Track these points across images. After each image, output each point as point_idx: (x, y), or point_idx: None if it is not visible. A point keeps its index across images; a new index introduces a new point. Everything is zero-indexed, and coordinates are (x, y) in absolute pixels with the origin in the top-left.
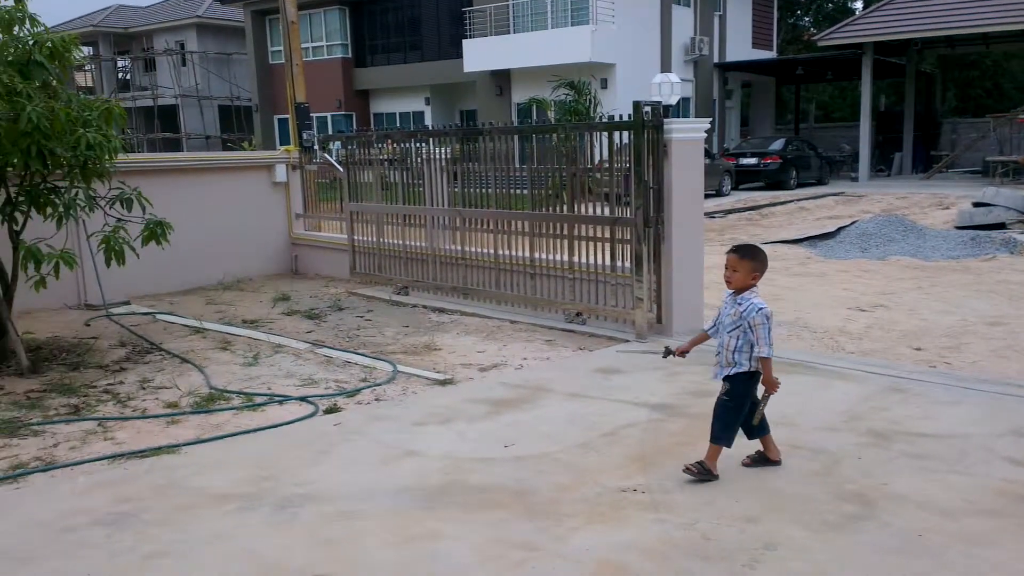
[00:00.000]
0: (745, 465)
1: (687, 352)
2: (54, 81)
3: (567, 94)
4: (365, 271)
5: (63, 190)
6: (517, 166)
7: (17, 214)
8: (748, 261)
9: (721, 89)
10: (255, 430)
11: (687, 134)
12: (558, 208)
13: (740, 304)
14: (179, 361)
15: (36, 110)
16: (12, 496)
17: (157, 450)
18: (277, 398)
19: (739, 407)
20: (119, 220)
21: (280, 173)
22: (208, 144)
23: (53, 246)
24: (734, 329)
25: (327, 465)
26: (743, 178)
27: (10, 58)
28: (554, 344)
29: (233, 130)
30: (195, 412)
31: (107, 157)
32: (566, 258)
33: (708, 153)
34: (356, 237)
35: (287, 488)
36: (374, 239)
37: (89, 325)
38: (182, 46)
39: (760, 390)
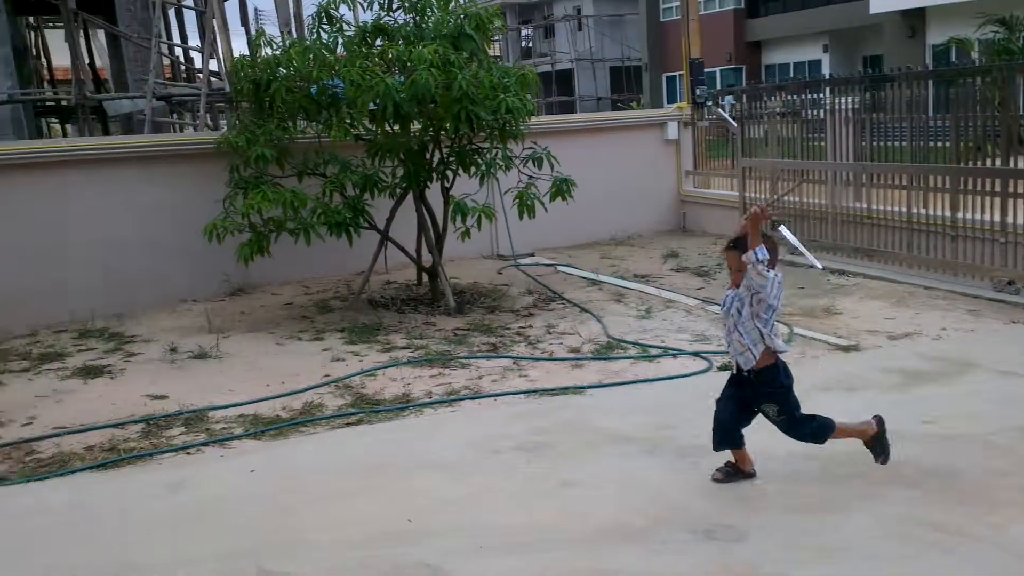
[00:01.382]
0: (716, 481)
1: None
2: (479, 51)
3: (995, 31)
4: None
5: (485, 151)
6: (931, 115)
7: (448, 172)
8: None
9: None
10: (652, 380)
11: None
12: (988, 162)
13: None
14: (579, 310)
15: (465, 78)
16: (449, 417)
17: (565, 390)
18: (671, 351)
19: (790, 399)
20: (530, 178)
21: (672, 130)
22: (599, 105)
23: (477, 201)
24: (735, 301)
25: None
26: None
27: (444, 31)
28: (979, 315)
29: (622, 91)
30: (596, 358)
31: (523, 120)
32: (997, 218)
33: None
34: (748, 194)
35: (685, 438)
36: (767, 195)
37: (501, 273)
38: (579, 11)
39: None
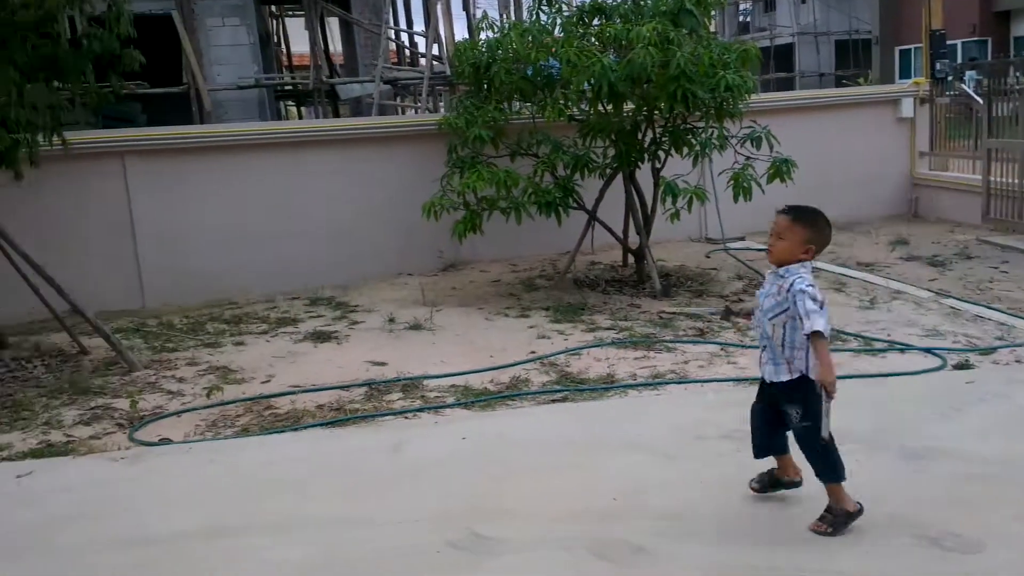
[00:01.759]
0: (755, 491)
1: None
2: (700, 28)
3: None
4: (1002, 217)
5: (699, 130)
6: None
7: (660, 152)
8: (802, 228)
9: None
10: (875, 375)
11: None
12: None
13: (784, 278)
14: None
15: (684, 56)
16: (654, 400)
17: None
18: (898, 345)
19: (817, 422)
20: (747, 158)
21: (907, 108)
22: (821, 82)
23: (688, 182)
24: (779, 314)
25: (957, 423)
26: None
27: (663, 8)
28: None
29: (848, 66)
30: None
31: (742, 98)
32: None
33: None
34: (993, 178)
35: (909, 440)
36: (1016, 181)
37: (709, 257)
38: None
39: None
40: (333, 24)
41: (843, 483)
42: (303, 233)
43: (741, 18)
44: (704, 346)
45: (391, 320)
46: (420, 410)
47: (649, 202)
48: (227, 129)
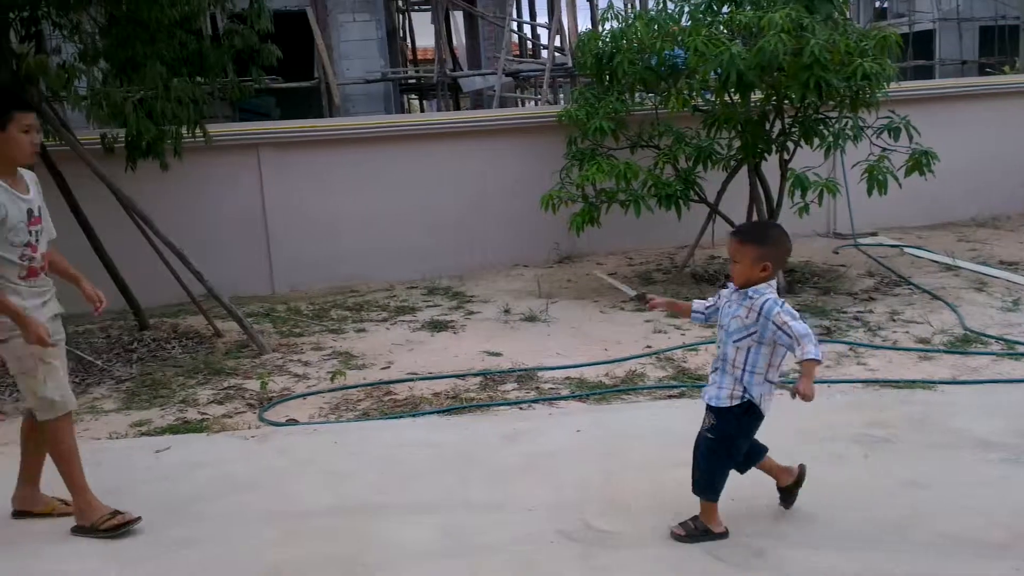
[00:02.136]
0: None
1: (658, 307)
2: (836, 14)
3: None
4: None
5: (832, 120)
6: None
7: (789, 144)
8: (752, 247)
9: None
10: (1020, 380)
11: None
12: None
13: (752, 299)
14: (929, 297)
15: (818, 43)
16: (777, 400)
17: (911, 383)
18: None
19: (728, 450)
20: (883, 150)
21: None
22: (963, 70)
23: (819, 174)
24: (744, 337)
25: None
26: None
27: None
28: None
29: (992, 53)
30: (949, 351)
31: (881, 86)
32: None
33: None
34: None
35: None
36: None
37: (837, 253)
38: None
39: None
40: (457, 17)
41: (716, 503)
42: (423, 224)
43: (878, 4)
44: (832, 345)
45: (506, 311)
46: (535, 401)
47: (775, 195)
48: (358, 122)
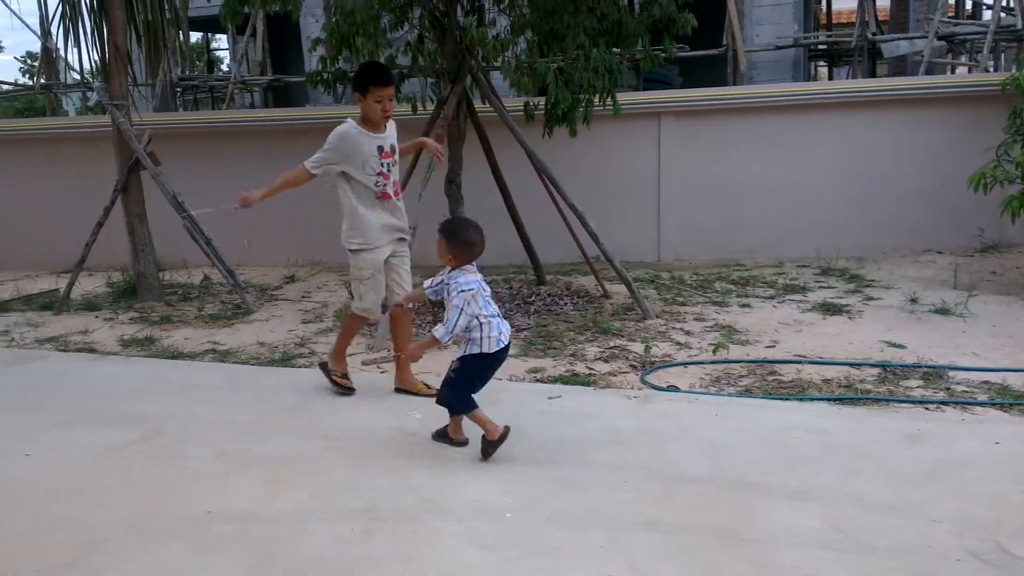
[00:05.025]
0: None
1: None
2: None
3: None
4: None
5: None
6: None
7: None
8: (442, 239)
9: None
10: None
11: None
12: None
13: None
14: None
15: None
16: None
17: None
18: None
19: (468, 382)
20: None
21: None
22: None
23: None
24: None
25: None
26: None
27: None
28: None
29: None
30: None
31: None
32: None
33: None
34: None
35: None
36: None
37: None
38: None
39: None
40: None
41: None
42: (822, 198)
43: None
44: None
45: (913, 300)
46: (944, 403)
47: None
48: (769, 90)
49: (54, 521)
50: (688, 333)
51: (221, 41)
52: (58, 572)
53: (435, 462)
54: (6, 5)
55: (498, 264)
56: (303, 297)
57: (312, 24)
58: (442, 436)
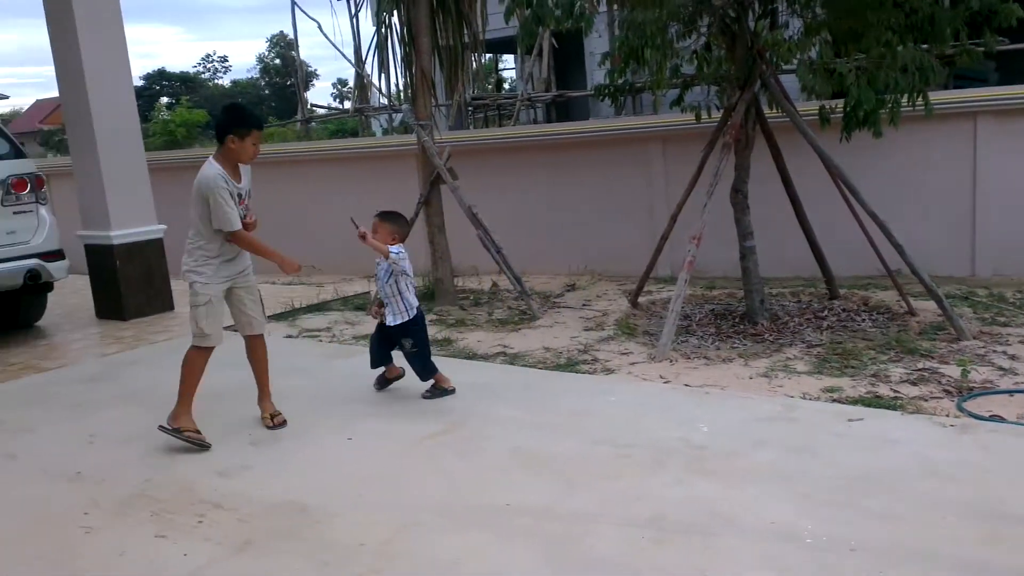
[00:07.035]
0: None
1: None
2: None
3: None
4: None
5: None
6: None
7: None
8: (388, 224)
9: None
10: None
11: None
12: None
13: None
14: None
15: None
16: None
17: None
18: None
19: (425, 347)
20: None
21: None
22: None
23: None
24: (390, 277)
25: None
26: None
27: None
28: None
29: None
30: None
31: None
32: None
33: None
34: None
35: None
36: None
37: None
38: None
39: None
40: None
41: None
42: None
43: None
44: None
45: None
46: None
47: None
48: None
49: (372, 502)
50: (1013, 358)
51: (507, 61)
52: (380, 547)
53: (726, 479)
54: (330, 41)
55: (782, 276)
56: (583, 305)
57: (595, 40)
58: (434, 393)
